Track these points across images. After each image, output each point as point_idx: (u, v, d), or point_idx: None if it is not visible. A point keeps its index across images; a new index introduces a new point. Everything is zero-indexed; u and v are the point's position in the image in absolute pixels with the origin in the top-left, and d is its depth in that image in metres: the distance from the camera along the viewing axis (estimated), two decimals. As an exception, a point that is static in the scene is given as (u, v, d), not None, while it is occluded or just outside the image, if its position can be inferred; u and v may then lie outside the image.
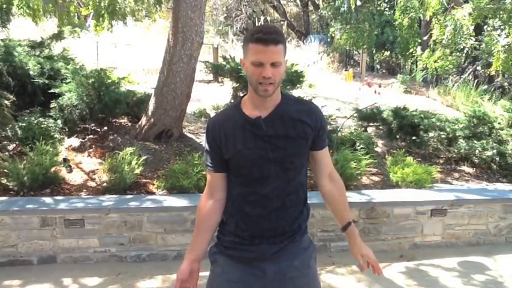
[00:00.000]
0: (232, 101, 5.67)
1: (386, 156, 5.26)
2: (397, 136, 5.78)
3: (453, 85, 10.36)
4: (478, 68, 12.04)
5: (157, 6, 7.08)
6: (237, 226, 1.59)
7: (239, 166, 1.55)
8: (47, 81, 5.04)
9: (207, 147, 1.61)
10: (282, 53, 1.47)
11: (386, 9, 11.99)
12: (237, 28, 17.13)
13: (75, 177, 4.22)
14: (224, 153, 1.55)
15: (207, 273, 1.69)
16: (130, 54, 9.85)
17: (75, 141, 4.76)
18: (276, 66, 1.45)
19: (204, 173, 4.09)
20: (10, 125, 4.51)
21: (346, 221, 1.67)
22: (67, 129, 4.86)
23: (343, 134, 5.54)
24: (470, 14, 6.24)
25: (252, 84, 1.51)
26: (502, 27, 6.96)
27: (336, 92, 8.93)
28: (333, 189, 1.67)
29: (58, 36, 5.99)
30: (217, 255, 1.64)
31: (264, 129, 1.52)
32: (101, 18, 6.08)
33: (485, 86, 10.52)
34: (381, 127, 6.09)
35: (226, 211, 1.64)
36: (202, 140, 5.28)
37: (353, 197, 4.07)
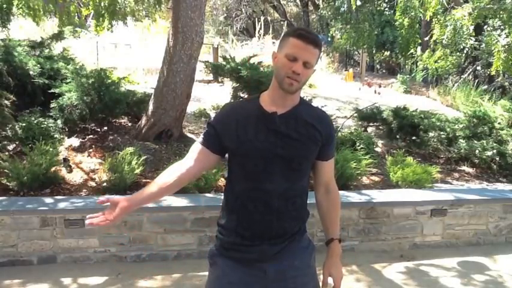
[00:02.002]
0: (232, 100, 5.68)
1: (387, 156, 5.27)
2: (397, 136, 5.78)
3: (453, 85, 10.38)
4: (478, 68, 12.05)
5: (157, 6, 7.08)
6: (239, 224, 1.58)
7: (246, 157, 1.54)
8: (47, 81, 5.03)
9: (211, 125, 1.60)
10: (316, 57, 1.51)
11: (386, 9, 12.00)
12: (237, 28, 17.13)
13: (75, 177, 4.22)
14: (228, 140, 1.54)
15: (206, 273, 1.69)
16: (130, 54, 9.85)
17: (75, 141, 4.76)
18: (307, 67, 1.49)
19: (204, 173, 4.09)
20: (10, 125, 4.50)
21: (330, 236, 1.68)
22: (67, 129, 4.85)
23: (343, 134, 5.54)
24: (470, 14, 6.25)
25: (278, 76, 1.52)
26: (502, 27, 6.96)
27: (336, 92, 8.93)
28: (324, 201, 1.69)
29: (58, 36, 5.99)
30: (217, 257, 1.63)
31: (277, 125, 1.53)
32: (101, 18, 6.09)
33: (485, 86, 10.53)
34: (381, 127, 6.10)
35: (227, 208, 1.63)
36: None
37: (353, 197, 4.07)
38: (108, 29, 6.43)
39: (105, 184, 4.00)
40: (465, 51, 9.62)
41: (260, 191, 1.54)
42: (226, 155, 1.62)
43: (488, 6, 6.16)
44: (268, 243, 1.57)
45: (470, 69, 12.20)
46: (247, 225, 1.57)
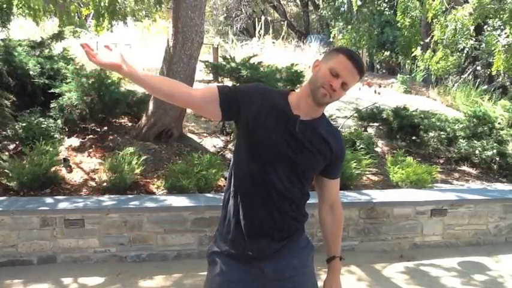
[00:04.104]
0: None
1: (387, 156, 5.27)
2: (397, 136, 5.78)
3: (453, 85, 10.37)
4: (478, 68, 12.04)
5: (157, 6, 7.08)
6: (242, 206, 1.57)
7: (257, 142, 1.53)
8: (47, 81, 5.03)
9: (236, 91, 1.56)
10: (354, 83, 1.54)
11: (386, 9, 11.98)
12: (237, 28, 17.11)
13: (75, 177, 4.22)
14: (246, 114, 1.52)
15: (205, 273, 1.69)
16: (130, 54, 9.84)
17: (75, 141, 4.76)
18: (343, 88, 1.51)
19: (204, 173, 4.09)
20: (10, 125, 4.51)
21: (332, 254, 1.70)
22: (67, 129, 4.85)
23: (343, 134, 5.54)
24: (470, 14, 6.25)
25: (314, 84, 1.53)
26: (502, 27, 6.96)
27: (336, 92, 8.90)
28: (328, 219, 1.71)
29: (58, 36, 5.99)
30: (216, 255, 1.64)
31: (296, 129, 1.53)
32: (101, 18, 6.09)
33: (485, 86, 10.52)
34: (381, 127, 6.10)
35: (230, 191, 1.62)
36: (202, 140, 5.29)
37: (353, 197, 4.07)
38: (108, 29, 6.42)
39: (105, 184, 4.00)
40: (465, 51, 9.62)
41: (263, 179, 1.54)
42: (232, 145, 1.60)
43: (489, 6, 6.16)
44: (265, 238, 1.56)
45: (470, 69, 12.19)
46: (249, 207, 1.56)
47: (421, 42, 8.44)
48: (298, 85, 5.83)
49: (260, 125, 1.52)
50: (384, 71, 14.93)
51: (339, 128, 5.74)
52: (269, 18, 17.95)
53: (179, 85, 1.57)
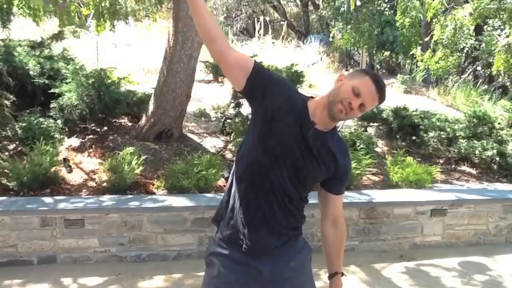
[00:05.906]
0: (232, 100, 5.68)
1: (387, 156, 5.26)
2: (397, 136, 5.78)
3: (453, 85, 10.37)
4: (478, 68, 12.05)
5: (158, 6, 7.07)
6: (247, 193, 1.57)
7: (272, 135, 1.53)
8: (47, 81, 5.03)
9: (271, 77, 1.56)
10: (372, 108, 1.57)
11: (386, 9, 11.99)
12: (237, 28, 17.11)
13: (75, 177, 4.22)
14: (268, 102, 1.52)
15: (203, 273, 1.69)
16: (130, 54, 9.83)
17: (75, 141, 4.76)
18: (360, 109, 1.52)
19: (204, 173, 4.09)
20: (10, 125, 4.50)
21: (334, 270, 1.72)
22: (67, 129, 4.85)
23: (343, 134, 5.54)
24: (471, 14, 6.25)
25: (333, 97, 1.53)
26: (502, 27, 6.96)
27: (336, 92, 8.89)
28: (331, 234, 1.72)
29: (58, 36, 5.99)
30: (213, 256, 1.63)
31: (309, 134, 1.54)
32: (101, 19, 6.08)
33: (485, 86, 10.52)
34: (380, 127, 6.09)
35: (237, 176, 1.62)
36: (202, 140, 5.29)
37: (353, 197, 4.07)
38: (110, 29, 6.42)
39: (105, 184, 4.00)
40: (465, 51, 9.62)
41: (267, 172, 1.54)
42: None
43: (489, 6, 6.16)
44: (266, 230, 1.56)
45: (470, 69, 12.20)
46: (253, 197, 1.56)
47: (421, 42, 8.44)
48: (298, 85, 5.83)
49: (279, 119, 1.53)
50: (384, 71, 14.92)
51: (339, 128, 5.74)
52: (269, 18, 17.95)
53: (223, 36, 1.57)
